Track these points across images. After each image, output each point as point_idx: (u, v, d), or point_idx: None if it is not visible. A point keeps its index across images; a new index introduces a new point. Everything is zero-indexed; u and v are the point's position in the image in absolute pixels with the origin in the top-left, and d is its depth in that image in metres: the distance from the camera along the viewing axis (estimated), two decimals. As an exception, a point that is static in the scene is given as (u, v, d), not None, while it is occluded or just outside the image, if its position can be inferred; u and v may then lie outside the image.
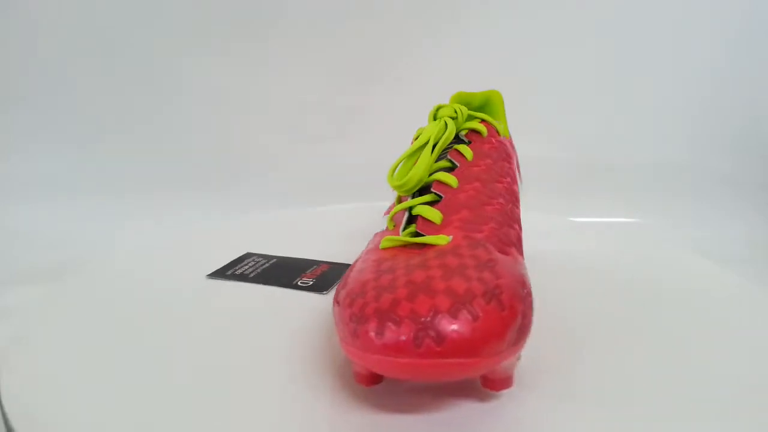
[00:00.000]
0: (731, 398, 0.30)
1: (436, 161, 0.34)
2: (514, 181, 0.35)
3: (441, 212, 0.30)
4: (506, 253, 0.28)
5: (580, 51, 0.72)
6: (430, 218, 0.30)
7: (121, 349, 0.33)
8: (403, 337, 0.22)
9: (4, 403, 0.28)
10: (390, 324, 0.23)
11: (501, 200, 0.32)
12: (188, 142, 0.68)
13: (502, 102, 0.42)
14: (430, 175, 0.33)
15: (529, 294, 0.26)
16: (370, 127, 0.63)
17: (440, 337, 0.22)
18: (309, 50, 0.70)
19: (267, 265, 0.42)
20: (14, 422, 0.27)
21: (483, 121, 0.37)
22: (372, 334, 0.23)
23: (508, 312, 0.24)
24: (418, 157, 0.33)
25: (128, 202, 0.58)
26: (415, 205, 0.31)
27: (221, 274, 0.40)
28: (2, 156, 0.61)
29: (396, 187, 0.32)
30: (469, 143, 0.36)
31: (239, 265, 0.41)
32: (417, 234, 0.30)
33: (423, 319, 0.23)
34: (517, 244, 0.31)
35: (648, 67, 0.73)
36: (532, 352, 0.34)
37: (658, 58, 0.73)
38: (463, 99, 0.42)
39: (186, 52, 0.68)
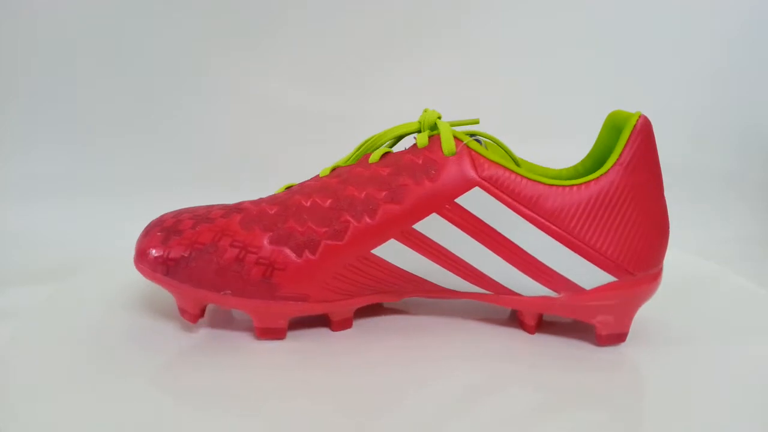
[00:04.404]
0: (732, 397, 0.30)
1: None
2: (392, 200, 0.32)
3: (283, 189, 0.37)
4: (251, 230, 0.33)
5: (579, 51, 0.72)
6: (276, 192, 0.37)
7: (120, 349, 0.33)
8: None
9: (2, 403, 0.28)
10: None
11: (329, 201, 0.33)
12: (189, 142, 0.68)
13: (632, 126, 0.33)
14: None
15: (186, 247, 0.33)
16: (373, 129, 0.63)
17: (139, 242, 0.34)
18: (309, 51, 0.70)
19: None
20: (13, 423, 0.27)
21: (436, 136, 0.34)
22: None
23: (176, 252, 0.32)
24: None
25: (128, 202, 0.58)
26: None
27: None
28: (2, 156, 0.61)
29: None
30: (388, 151, 0.36)
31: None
32: None
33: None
34: (296, 239, 0.32)
35: (648, 68, 0.73)
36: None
37: (658, 58, 0.72)
38: (614, 119, 0.36)
39: (187, 53, 0.68)
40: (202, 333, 0.35)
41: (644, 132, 0.33)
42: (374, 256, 0.33)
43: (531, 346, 0.35)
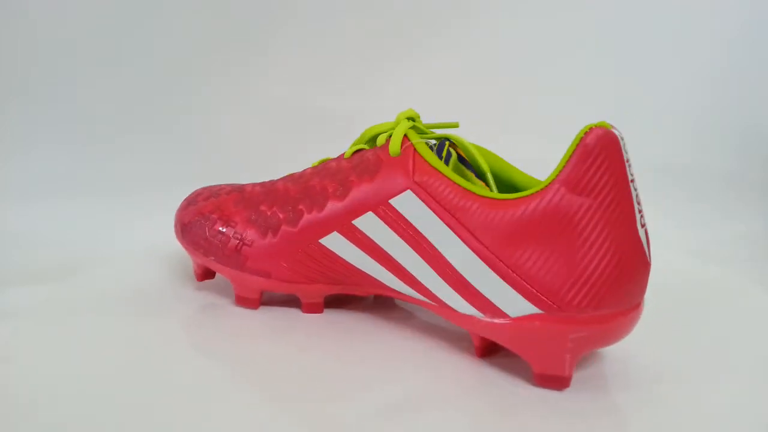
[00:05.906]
0: (732, 398, 0.30)
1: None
2: (338, 195, 0.34)
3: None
4: (237, 208, 0.38)
5: (579, 51, 0.72)
6: None
7: (121, 349, 0.33)
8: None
9: (3, 403, 0.28)
10: None
11: (297, 190, 0.36)
12: (189, 142, 0.68)
13: (578, 140, 0.28)
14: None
15: (194, 218, 0.39)
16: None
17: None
18: (308, 51, 0.70)
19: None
20: (13, 423, 0.27)
21: (390, 137, 0.34)
22: None
23: (186, 218, 0.39)
24: None
25: (128, 202, 0.58)
26: None
27: None
28: (2, 156, 0.61)
29: None
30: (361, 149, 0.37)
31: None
32: None
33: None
34: (264, 221, 0.36)
35: (648, 68, 0.73)
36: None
37: (658, 58, 0.73)
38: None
39: (187, 53, 0.68)
40: (197, 307, 0.38)
41: (597, 148, 0.27)
42: (322, 245, 0.35)
43: (479, 371, 0.32)
